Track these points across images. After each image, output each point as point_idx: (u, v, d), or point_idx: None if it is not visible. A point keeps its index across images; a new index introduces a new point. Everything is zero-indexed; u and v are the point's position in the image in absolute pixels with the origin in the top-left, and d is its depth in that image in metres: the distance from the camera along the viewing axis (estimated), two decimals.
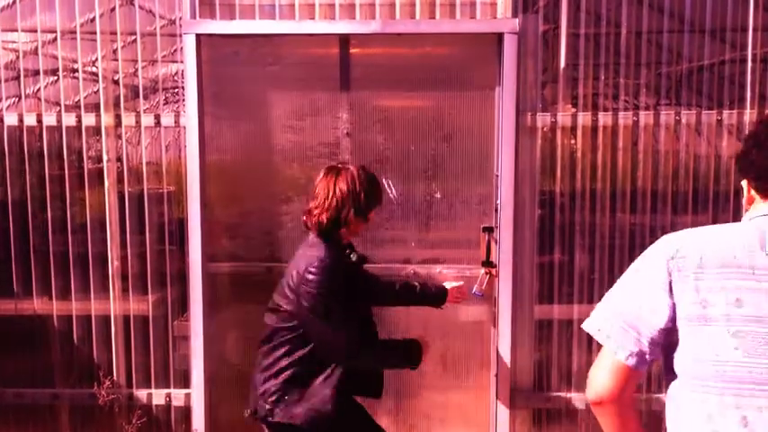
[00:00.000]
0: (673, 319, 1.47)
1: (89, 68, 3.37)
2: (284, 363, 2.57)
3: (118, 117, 3.38)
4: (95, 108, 3.37)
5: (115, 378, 3.44)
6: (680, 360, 1.47)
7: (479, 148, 3.38)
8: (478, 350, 3.49)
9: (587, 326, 1.59)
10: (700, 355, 1.44)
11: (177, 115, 3.36)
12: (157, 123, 3.37)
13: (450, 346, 3.48)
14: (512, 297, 3.33)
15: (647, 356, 1.49)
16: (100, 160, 3.38)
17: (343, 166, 2.63)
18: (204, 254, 3.38)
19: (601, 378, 1.53)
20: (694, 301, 1.44)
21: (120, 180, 3.40)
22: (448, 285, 3.06)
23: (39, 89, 3.39)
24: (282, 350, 2.58)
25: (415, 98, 3.43)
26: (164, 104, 3.39)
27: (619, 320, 1.52)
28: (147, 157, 3.39)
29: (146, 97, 3.38)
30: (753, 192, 1.54)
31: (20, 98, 3.39)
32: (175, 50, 3.35)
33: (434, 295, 3.01)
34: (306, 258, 2.51)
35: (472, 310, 3.46)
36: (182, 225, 3.40)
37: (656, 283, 1.49)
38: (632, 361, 1.49)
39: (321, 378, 2.55)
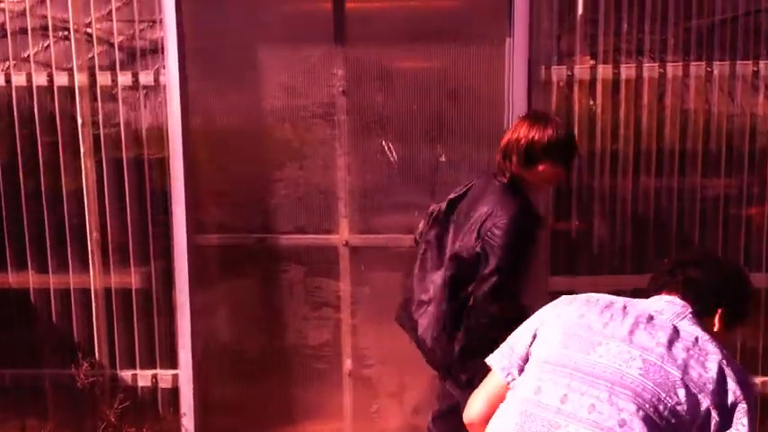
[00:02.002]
0: None
1: (62, 26, 3.09)
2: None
3: (92, 76, 3.10)
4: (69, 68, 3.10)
5: (97, 358, 3.21)
6: None
7: (488, 106, 3.08)
8: None
9: None
10: None
11: (157, 73, 3.08)
12: (135, 82, 3.10)
13: None
14: None
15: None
16: (75, 123, 3.12)
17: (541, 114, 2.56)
18: (190, 224, 3.13)
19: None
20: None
21: (97, 145, 3.13)
22: None
23: (7, 48, 3.12)
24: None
25: (418, 52, 3.12)
26: (142, 66, 3.10)
27: None
28: (125, 119, 3.12)
29: (124, 57, 3.11)
30: None
31: None
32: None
33: None
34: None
35: None
36: (165, 193, 3.13)
37: None
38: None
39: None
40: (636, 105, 2.98)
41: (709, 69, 2.95)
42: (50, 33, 3.08)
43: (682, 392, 1.46)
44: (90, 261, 3.17)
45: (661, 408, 1.45)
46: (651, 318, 1.59)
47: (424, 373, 3.20)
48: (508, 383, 1.70)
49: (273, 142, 3.22)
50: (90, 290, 3.19)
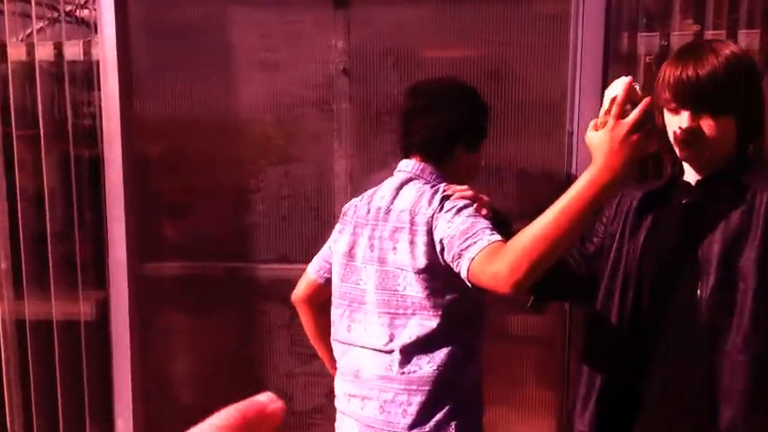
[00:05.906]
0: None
1: None
2: None
3: (2, 47, 2.32)
4: None
5: (8, 428, 2.44)
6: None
7: (545, 91, 2.29)
8: (544, 381, 2.41)
9: None
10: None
11: (88, 45, 2.31)
12: (59, 56, 2.31)
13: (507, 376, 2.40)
14: None
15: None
16: None
17: None
18: (132, 248, 2.37)
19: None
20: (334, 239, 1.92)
21: (7, 139, 2.36)
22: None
23: None
24: None
25: (444, 16, 2.34)
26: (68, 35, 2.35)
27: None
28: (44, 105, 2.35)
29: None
30: None
31: None
32: None
33: None
34: None
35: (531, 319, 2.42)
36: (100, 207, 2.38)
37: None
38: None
39: None
40: None
41: None
42: None
43: None
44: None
45: None
46: None
47: None
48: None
49: (249, 139, 2.49)
50: None
